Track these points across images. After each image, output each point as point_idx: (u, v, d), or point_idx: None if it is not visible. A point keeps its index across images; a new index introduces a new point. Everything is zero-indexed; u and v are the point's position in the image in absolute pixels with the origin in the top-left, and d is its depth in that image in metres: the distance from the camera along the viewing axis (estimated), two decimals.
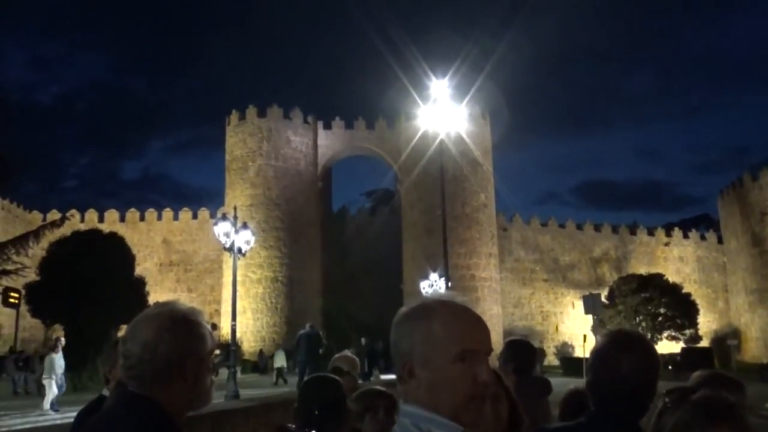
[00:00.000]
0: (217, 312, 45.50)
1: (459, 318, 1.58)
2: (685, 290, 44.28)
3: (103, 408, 1.96)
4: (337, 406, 3.15)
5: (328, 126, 51.05)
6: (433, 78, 21.27)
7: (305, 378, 4.52)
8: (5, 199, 46.68)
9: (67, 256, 28.33)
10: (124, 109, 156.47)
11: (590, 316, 27.17)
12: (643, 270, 48.39)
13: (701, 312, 45.24)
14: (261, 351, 39.87)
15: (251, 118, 48.36)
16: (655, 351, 2.31)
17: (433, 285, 34.62)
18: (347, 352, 5.56)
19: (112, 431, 1.77)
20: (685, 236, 57.45)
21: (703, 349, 42.93)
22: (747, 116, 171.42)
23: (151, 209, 52.30)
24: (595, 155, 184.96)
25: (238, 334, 25.22)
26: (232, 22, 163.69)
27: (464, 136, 40.39)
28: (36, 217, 48.21)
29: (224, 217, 20.93)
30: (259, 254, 43.81)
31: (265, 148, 47.47)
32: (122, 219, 50.78)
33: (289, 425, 3.19)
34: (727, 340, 43.60)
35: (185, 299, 43.87)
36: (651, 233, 56.67)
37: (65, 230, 32.00)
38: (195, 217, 51.46)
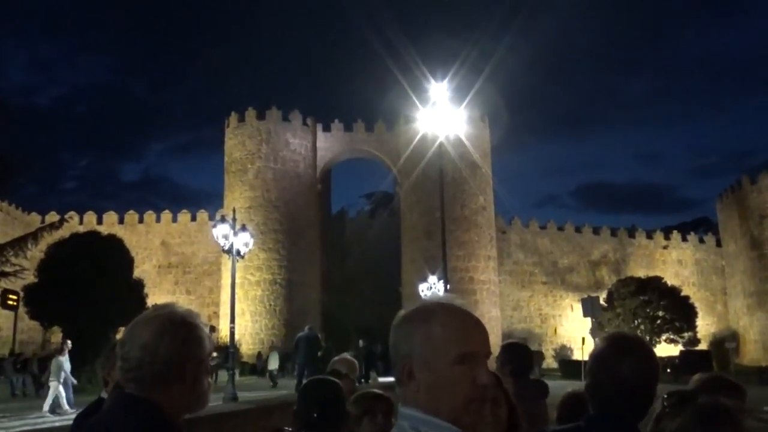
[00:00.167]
0: (216, 314, 45.48)
1: (459, 320, 1.58)
2: (683, 293, 44.29)
3: (102, 410, 1.95)
4: (335, 408, 3.15)
5: (327, 128, 51.06)
6: (432, 81, 21.28)
7: (304, 380, 4.51)
8: (4, 200, 46.63)
9: (66, 258, 28.33)
10: (123, 110, 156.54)
11: (589, 319, 27.21)
12: (641, 273, 48.40)
13: (700, 315, 45.25)
14: (259, 353, 39.83)
15: (250, 120, 48.37)
16: (654, 354, 2.30)
17: (432, 287, 34.62)
18: (346, 355, 5.55)
19: None
20: (684, 239, 57.47)
21: (702, 352, 42.92)
22: (746, 119, 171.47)
23: (150, 211, 52.29)
24: (594, 158, 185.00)
25: (236, 337, 25.17)
26: (231, 25, 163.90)
27: (463, 138, 40.37)
28: (34, 219, 48.15)
29: (223, 220, 20.93)
30: (258, 256, 43.78)
31: (264, 150, 47.47)
32: (121, 221, 50.73)
33: (286, 428, 3.18)
34: (726, 343, 43.61)
35: (184, 301, 43.93)
36: (650, 236, 56.68)
37: (64, 232, 32.00)
38: (194, 219, 51.44)
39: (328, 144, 50.79)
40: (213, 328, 40.08)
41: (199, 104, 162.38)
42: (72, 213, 47.32)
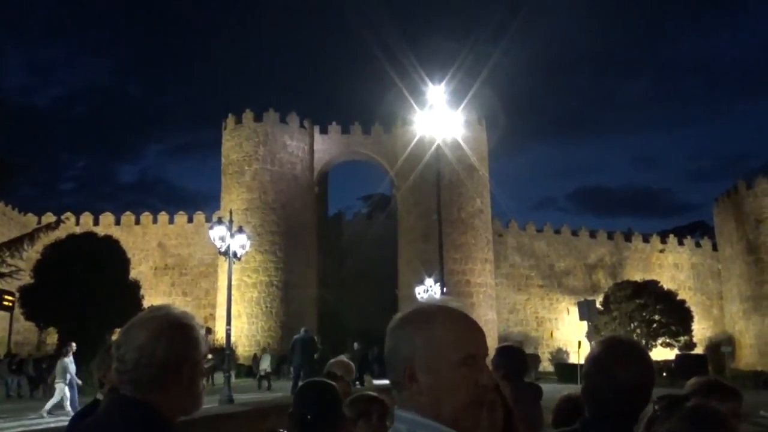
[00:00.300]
0: (212, 316, 45.42)
1: (461, 323, 1.59)
2: (679, 297, 44.36)
3: (97, 412, 1.95)
4: (330, 410, 3.14)
5: (324, 130, 51.07)
6: (430, 84, 21.29)
7: (300, 383, 4.50)
8: (0, 201, 46.58)
9: (62, 259, 28.30)
10: (121, 112, 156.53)
11: (585, 323, 27.21)
12: (638, 276, 48.44)
13: (696, 319, 45.30)
14: (255, 355, 39.73)
15: (248, 122, 48.36)
16: (649, 358, 2.31)
17: (429, 290, 34.61)
18: (343, 357, 5.54)
19: None
20: (680, 243, 57.57)
21: (698, 356, 42.95)
22: (743, 124, 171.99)
23: (147, 212, 52.20)
24: (591, 161, 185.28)
25: (232, 339, 25.14)
26: (230, 27, 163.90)
27: (460, 141, 40.42)
28: (31, 220, 48.05)
29: (220, 221, 20.90)
30: (255, 258, 43.74)
31: (261, 152, 47.46)
32: (117, 222, 50.66)
33: (281, 430, 3.18)
34: (722, 347, 43.66)
35: (180, 303, 43.88)
36: (646, 240, 56.75)
37: (60, 233, 31.96)
38: (190, 220, 51.40)
39: (326, 146, 50.80)
40: (209, 330, 40.00)
41: (197, 106, 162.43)
42: (68, 214, 47.25)
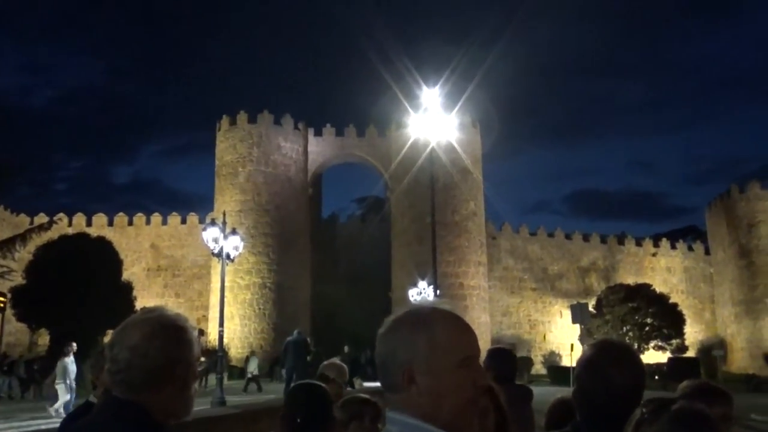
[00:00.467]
0: (205, 318, 45.31)
1: (457, 325, 1.59)
2: (672, 300, 44.48)
3: (91, 413, 1.94)
4: (321, 413, 3.14)
5: (318, 133, 51.07)
6: (424, 86, 21.31)
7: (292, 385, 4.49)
8: None
9: (54, 260, 28.22)
10: (116, 113, 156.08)
11: (578, 326, 27.29)
12: (630, 280, 48.56)
13: (688, 322, 45.44)
14: (247, 357, 39.67)
15: (242, 123, 48.31)
16: (641, 361, 2.32)
17: (422, 293, 34.64)
18: (335, 360, 5.54)
19: None
20: (673, 247, 57.75)
21: (690, 359, 43.07)
22: (739, 128, 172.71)
23: (140, 213, 52.05)
24: (586, 165, 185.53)
25: (225, 340, 25.11)
26: (224, 28, 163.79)
27: (455, 144, 40.48)
28: (23, 221, 47.82)
29: (213, 223, 20.88)
30: (248, 260, 43.68)
31: (255, 153, 47.41)
32: (110, 223, 50.47)
33: None
34: (714, 350, 43.81)
35: (173, 304, 43.72)
36: (639, 243, 56.91)
37: (53, 234, 31.83)
38: (184, 222, 51.26)
39: (320, 148, 50.79)
40: (201, 332, 39.91)
41: (192, 107, 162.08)
42: (61, 215, 47.05)
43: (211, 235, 20.15)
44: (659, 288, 46.86)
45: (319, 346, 32.17)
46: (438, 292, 24.14)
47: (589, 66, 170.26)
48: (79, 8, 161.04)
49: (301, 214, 48.00)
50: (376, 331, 1.65)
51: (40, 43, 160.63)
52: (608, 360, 2.21)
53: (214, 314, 40.51)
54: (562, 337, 47.04)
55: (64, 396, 17.57)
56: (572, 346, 32.82)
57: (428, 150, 22.98)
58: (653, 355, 40.18)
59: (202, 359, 25.76)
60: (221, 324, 20.39)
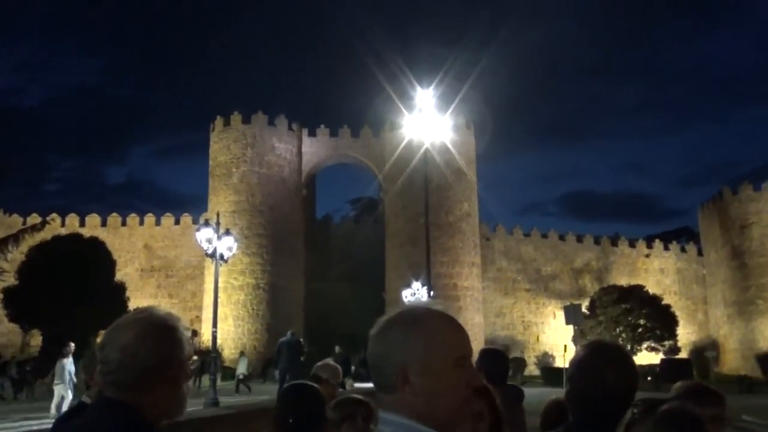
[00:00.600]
0: (198, 318, 45.20)
1: (451, 325, 1.60)
2: (664, 302, 44.63)
3: (84, 414, 1.93)
4: (313, 413, 3.14)
5: (312, 133, 51.05)
6: (418, 87, 21.30)
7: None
8: None
9: (47, 260, 28.13)
10: (109, 113, 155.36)
11: (571, 327, 27.30)
12: (623, 281, 48.72)
13: (681, 323, 45.61)
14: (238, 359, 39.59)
15: (236, 124, 48.24)
16: (633, 362, 2.32)
17: (416, 294, 34.66)
18: (329, 361, 5.54)
19: None
20: (666, 248, 57.89)
21: (682, 360, 43.25)
22: (732, 130, 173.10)
23: (133, 214, 51.94)
24: (579, 167, 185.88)
25: (218, 341, 25.03)
26: (219, 29, 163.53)
27: (449, 145, 40.47)
28: (16, 221, 47.61)
29: (207, 223, 20.84)
30: (242, 261, 43.60)
31: (249, 154, 47.35)
32: (104, 224, 50.34)
33: None
34: (706, 351, 43.98)
35: (166, 305, 43.40)
36: (632, 245, 57.05)
37: (45, 234, 31.71)
38: (177, 222, 51.16)
39: (314, 149, 50.77)
40: (195, 333, 39.82)
41: (185, 108, 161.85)
42: (54, 215, 46.82)
43: (204, 235, 20.10)
44: (652, 289, 47.03)
45: (313, 346, 32.16)
46: (432, 293, 24.15)
47: (583, 67, 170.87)
48: (72, 9, 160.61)
49: (295, 214, 47.97)
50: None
51: (33, 43, 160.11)
52: (601, 361, 2.21)
53: (207, 315, 40.38)
54: (556, 338, 47.12)
55: (67, 396, 17.49)
56: (565, 347, 32.88)
57: (422, 151, 22.97)
58: (646, 356, 40.31)
59: (195, 358, 25.70)
60: (215, 325, 20.33)
